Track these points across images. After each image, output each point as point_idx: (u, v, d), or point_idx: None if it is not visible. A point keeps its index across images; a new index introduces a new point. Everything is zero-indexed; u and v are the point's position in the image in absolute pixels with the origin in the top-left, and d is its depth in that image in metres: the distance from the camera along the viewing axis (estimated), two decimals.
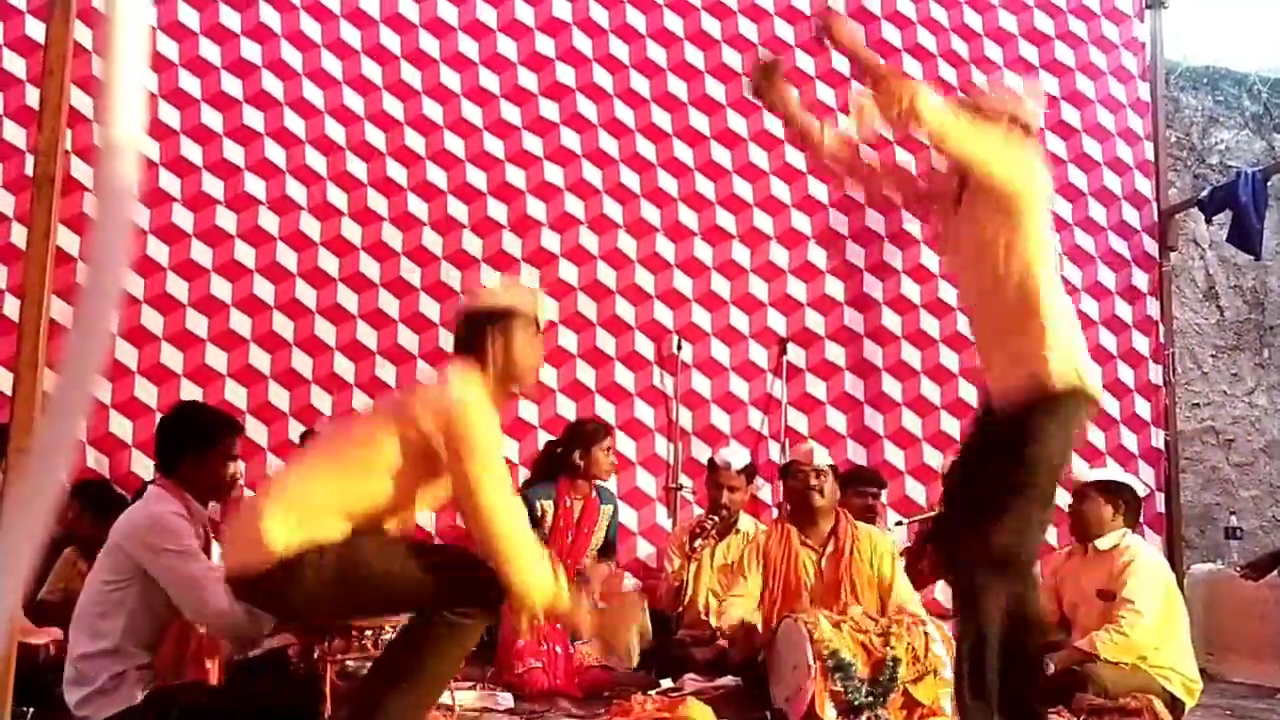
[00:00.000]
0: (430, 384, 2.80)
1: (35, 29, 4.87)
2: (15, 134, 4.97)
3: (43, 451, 0.62)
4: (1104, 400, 5.76)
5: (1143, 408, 5.85)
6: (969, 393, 5.68)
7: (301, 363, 5.13)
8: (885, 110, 2.80)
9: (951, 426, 5.63)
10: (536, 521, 4.47)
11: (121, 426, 4.89)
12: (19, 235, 4.72)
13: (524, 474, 4.83)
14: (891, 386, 5.64)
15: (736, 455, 4.71)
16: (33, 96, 4.85)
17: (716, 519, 4.52)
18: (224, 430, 3.10)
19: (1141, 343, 5.91)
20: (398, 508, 2.68)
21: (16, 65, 5.01)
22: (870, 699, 3.45)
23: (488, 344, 2.74)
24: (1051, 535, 5.55)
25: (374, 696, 2.58)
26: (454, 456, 2.55)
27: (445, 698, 3.44)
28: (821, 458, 4.19)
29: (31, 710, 3.09)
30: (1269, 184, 5.75)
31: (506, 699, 3.97)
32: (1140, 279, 5.96)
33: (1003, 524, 2.75)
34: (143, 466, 4.80)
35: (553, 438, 4.86)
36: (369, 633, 3.20)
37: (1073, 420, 2.87)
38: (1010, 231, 2.87)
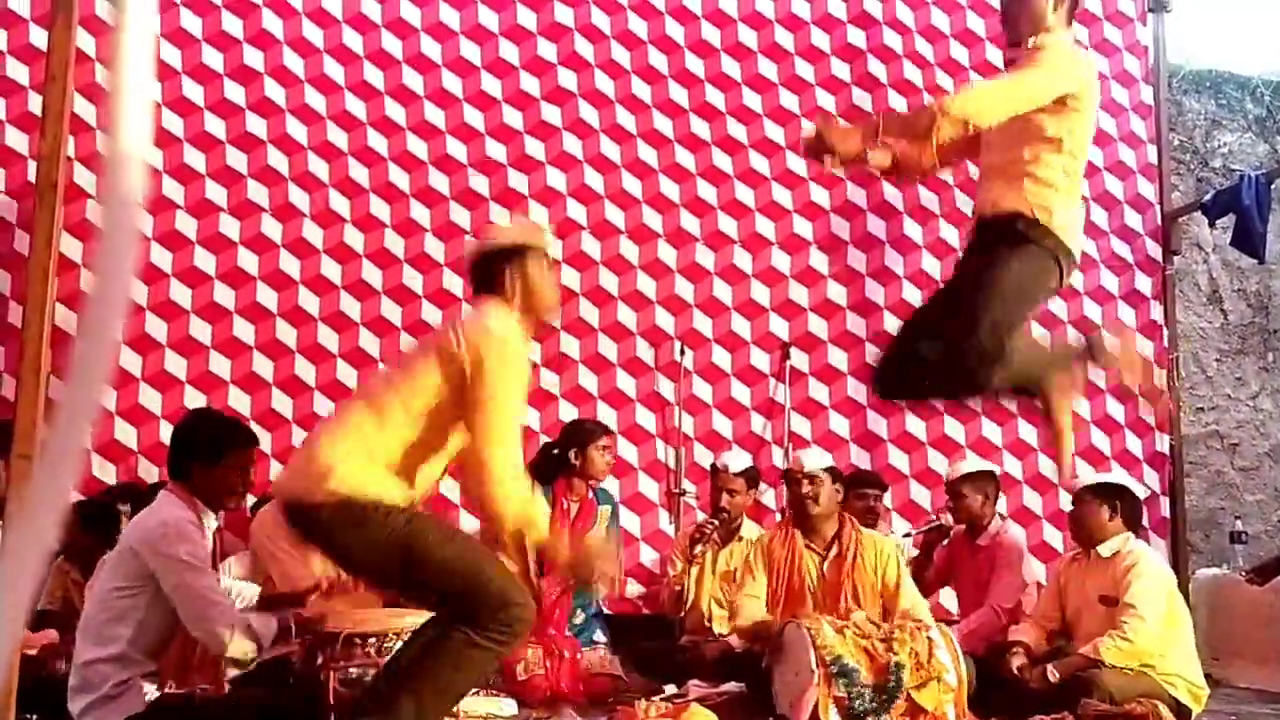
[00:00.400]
0: (466, 318, 2.83)
1: (38, 36, 4.88)
2: (18, 140, 4.97)
3: (49, 461, 0.62)
4: (1108, 407, 5.77)
5: (1147, 412, 5.83)
6: (973, 399, 5.67)
7: (304, 370, 5.14)
8: (929, 143, 2.79)
9: (956, 431, 5.63)
10: None
11: (126, 433, 4.90)
12: (22, 242, 4.72)
13: None
14: None
15: (736, 459, 4.72)
16: (35, 103, 4.85)
17: (716, 523, 4.52)
18: (238, 441, 3.10)
19: (1145, 347, 5.89)
20: (435, 445, 2.70)
21: (19, 72, 5.02)
22: (874, 705, 3.44)
23: (506, 281, 2.81)
24: (1057, 540, 5.56)
25: (390, 697, 2.58)
26: (476, 379, 2.61)
27: None
28: (816, 461, 4.17)
29: (35, 717, 3.09)
30: (1272, 187, 5.74)
31: (510, 705, 3.96)
32: (1143, 283, 5.95)
33: (978, 322, 2.78)
34: (149, 473, 4.80)
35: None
36: (371, 641, 3.20)
37: (1045, 256, 2.87)
38: (1052, 117, 2.88)
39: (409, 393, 2.66)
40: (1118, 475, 4.63)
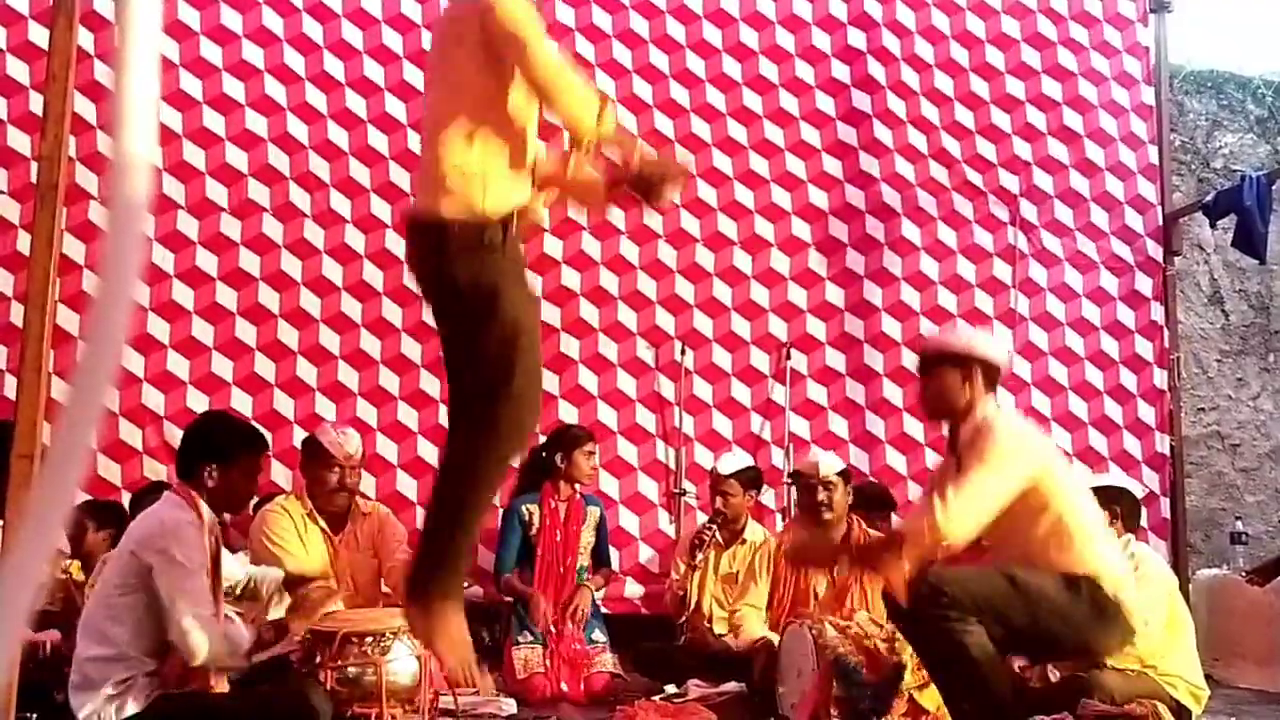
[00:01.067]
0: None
1: (38, 34, 4.88)
2: (20, 141, 4.95)
3: (54, 463, 0.62)
4: (1106, 408, 5.77)
5: (1147, 413, 5.84)
6: None
7: (306, 371, 5.13)
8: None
9: None
10: (525, 526, 4.51)
11: (131, 434, 4.89)
12: (25, 243, 4.72)
13: None
14: (892, 392, 5.64)
15: (731, 461, 4.69)
16: (37, 103, 4.84)
17: (715, 527, 4.53)
18: (250, 446, 3.10)
19: (1145, 348, 5.90)
20: (515, 120, 2.60)
21: (20, 71, 5.00)
22: (875, 705, 3.45)
23: None
24: None
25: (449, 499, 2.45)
26: (503, 40, 2.52)
27: (448, 702, 3.45)
28: (828, 466, 4.17)
29: (35, 716, 3.10)
30: (1274, 188, 5.74)
31: (510, 705, 3.96)
32: (1144, 284, 5.95)
33: None
34: (153, 473, 4.80)
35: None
36: (370, 640, 3.21)
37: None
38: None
39: (466, 91, 2.54)
40: (1115, 476, 4.62)
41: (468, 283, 2.45)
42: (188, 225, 5.09)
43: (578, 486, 4.64)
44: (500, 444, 2.45)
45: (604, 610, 4.78)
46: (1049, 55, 6.02)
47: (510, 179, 2.55)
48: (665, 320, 5.51)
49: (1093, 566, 3.01)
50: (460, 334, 2.54)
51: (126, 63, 0.68)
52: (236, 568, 3.39)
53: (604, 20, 5.61)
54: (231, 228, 5.13)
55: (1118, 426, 5.80)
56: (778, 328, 5.60)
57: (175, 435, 4.82)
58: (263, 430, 4.77)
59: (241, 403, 5.01)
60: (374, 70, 5.36)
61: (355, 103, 5.32)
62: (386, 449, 5.14)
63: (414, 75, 5.38)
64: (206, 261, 5.10)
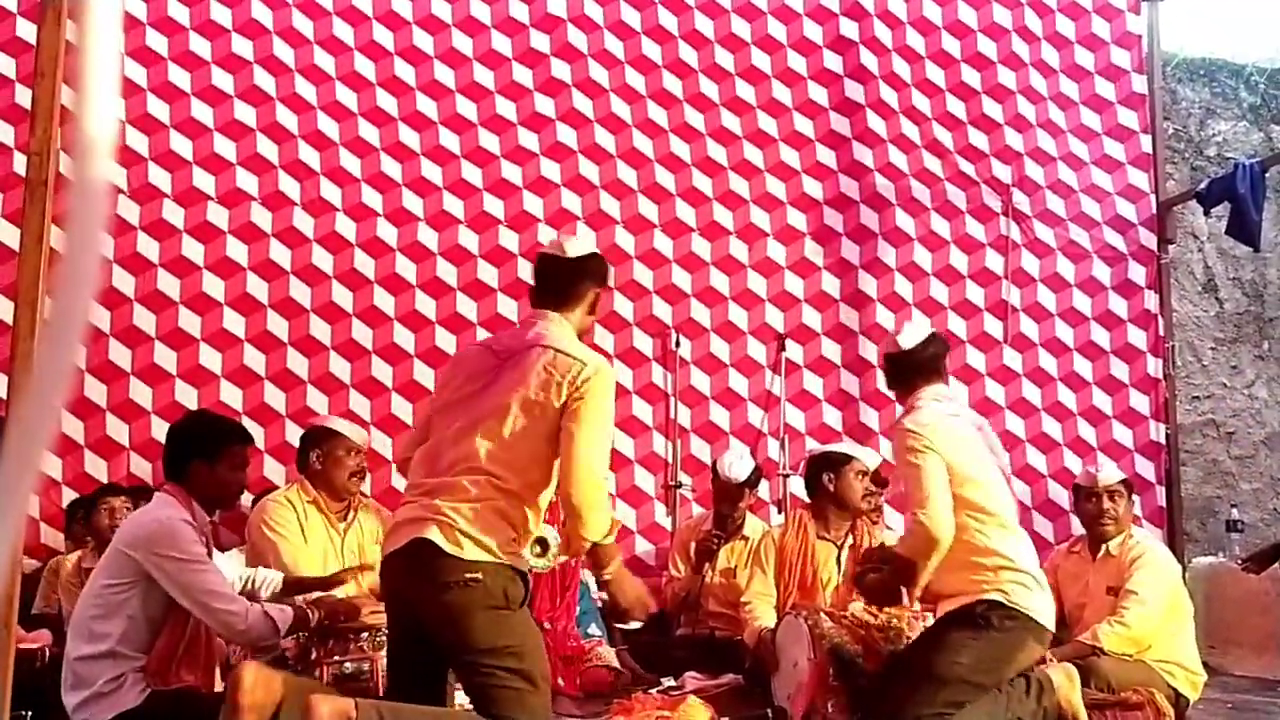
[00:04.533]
0: (546, 343, 2.70)
1: (25, 30, 4.83)
2: (4, 132, 4.84)
3: (23, 430, 0.61)
4: (1100, 398, 5.76)
5: (1141, 401, 5.84)
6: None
7: (297, 363, 5.07)
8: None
9: None
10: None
11: (118, 430, 4.83)
12: (7, 233, 4.66)
13: None
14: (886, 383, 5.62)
15: (740, 467, 4.58)
16: (22, 95, 4.79)
17: (722, 535, 4.52)
18: (233, 440, 3.09)
19: (1139, 336, 5.90)
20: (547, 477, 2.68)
21: (6, 65, 4.94)
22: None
23: (581, 300, 2.83)
24: (1048, 531, 5.56)
25: None
26: (576, 408, 2.59)
27: None
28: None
29: (30, 714, 3.08)
30: (1267, 175, 5.73)
31: None
32: (1138, 272, 5.95)
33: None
34: (142, 469, 4.76)
35: None
36: (365, 635, 3.19)
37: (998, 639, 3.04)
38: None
39: (516, 452, 2.62)
40: (1106, 464, 4.63)
41: (491, 633, 2.55)
42: (173, 214, 4.99)
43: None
44: None
45: (599, 604, 4.76)
46: (1040, 45, 6.00)
47: (525, 537, 2.69)
48: (661, 310, 5.49)
49: (999, 577, 3.01)
50: (477, 680, 2.62)
51: (88, 43, 0.67)
52: (230, 568, 3.37)
53: (595, 11, 5.58)
54: (219, 217, 5.04)
55: (1111, 416, 5.80)
56: (774, 317, 5.59)
57: (163, 431, 4.77)
58: (254, 425, 4.80)
59: (231, 396, 4.95)
60: (364, 65, 5.31)
61: (345, 96, 5.27)
62: (381, 445, 5.06)
63: (404, 70, 5.35)
64: (193, 251, 4.98)
